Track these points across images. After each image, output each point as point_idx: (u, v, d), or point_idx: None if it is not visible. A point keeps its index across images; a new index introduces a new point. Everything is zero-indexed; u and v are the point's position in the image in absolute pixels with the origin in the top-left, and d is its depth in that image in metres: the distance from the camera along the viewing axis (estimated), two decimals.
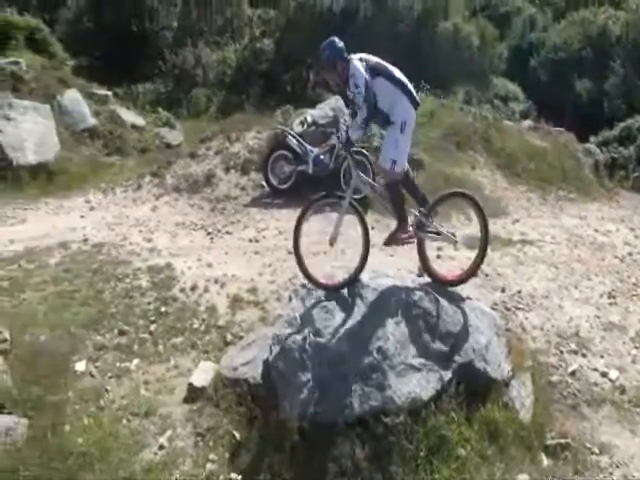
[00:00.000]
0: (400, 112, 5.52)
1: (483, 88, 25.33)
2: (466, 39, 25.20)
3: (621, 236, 10.47)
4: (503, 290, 7.82)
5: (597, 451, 5.45)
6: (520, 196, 12.77)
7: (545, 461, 5.24)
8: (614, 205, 13.76)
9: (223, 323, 7.03)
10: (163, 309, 7.26)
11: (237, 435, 5.28)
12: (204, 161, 12.60)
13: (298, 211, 5.83)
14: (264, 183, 11.59)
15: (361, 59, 5.51)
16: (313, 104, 14.54)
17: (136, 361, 6.41)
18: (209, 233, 9.88)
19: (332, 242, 5.74)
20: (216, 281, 7.87)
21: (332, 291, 5.75)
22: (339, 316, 5.44)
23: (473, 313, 5.66)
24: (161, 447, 5.36)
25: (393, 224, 5.94)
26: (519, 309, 7.39)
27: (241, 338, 6.66)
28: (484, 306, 6.07)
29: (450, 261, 8.46)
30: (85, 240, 9.33)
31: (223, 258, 8.65)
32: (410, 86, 5.59)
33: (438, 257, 8.25)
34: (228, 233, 9.86)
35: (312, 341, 5.29)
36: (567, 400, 6.01)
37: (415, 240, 5.76)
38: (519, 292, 7.77)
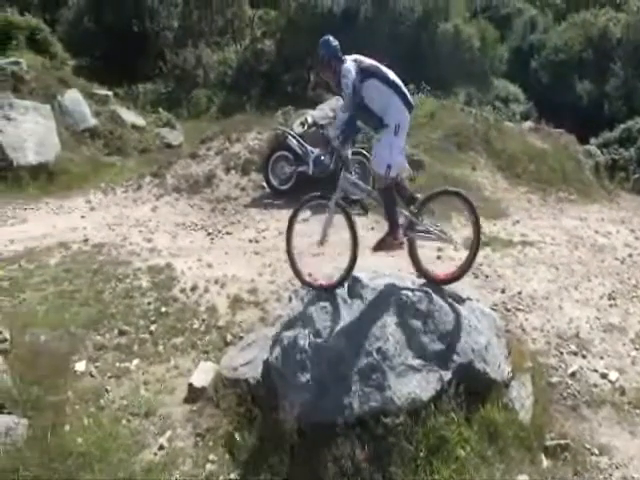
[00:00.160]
0: (394, 114, 5.45)
1: (484, 89, 25.35)
2: (467, 40, 25.24)
3: (621, 238, 10.46)
4: (503, 291, 7.82)
5: (597, 452, 5.44)
6: (520, 197, 12.76)
7: (545, 462, 5.23)
8: (614, 207, 13.74)
9: (223, 323, 7.04)
10: (163, 309, 7.27)
11: (237, 435, 5.27)
12: (204, 161, 12.61)
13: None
14: (264, 184, 11.60)
15: (355, 60, 5.47)
16: (314, 105, 14.57)
17: (136, 361, 6.42)
18: (209, 233, 9.89)
19: (321, 243, 5.75)
20: (216, 281, 7.87)
21: (323, 291, 5.77)
22: (339, 317, 5.44)
23: (473, 314, 5.65)
24: (161, 447, 5.36)
25: None
26: (519, 310, 7.38)
27: (241, 338, 6.66)
28: (484, 307, 6.06)
29: (450, 261, 8.46)
30: (85, 240, 9.34)
31: (223, 258, 8.66)
32: (404, 88, 5.53)
33: (438, 258, 8.25)
34: (228, 233, 9.87)
35: (312, 341, 5.29)
36: (567, 401, 6.00)
37: (404, 246, 5.72)
38: (519, 293, 7.77)
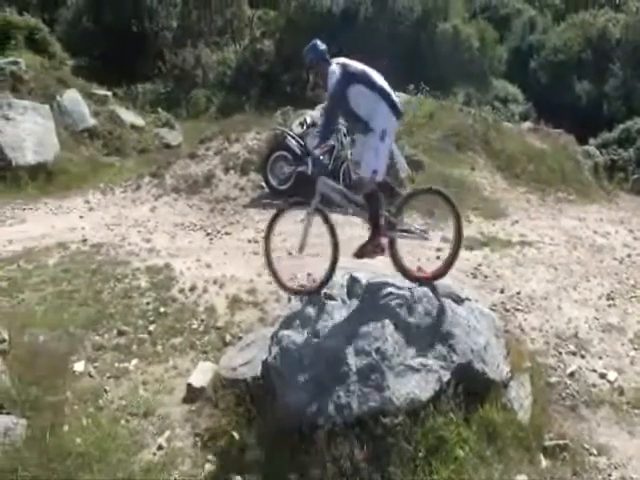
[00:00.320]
0: (380, 120, 5.40)
1: (483, 90, 25.38)
2: (466, 41, 25.28)
3: (620, 238, 10.47)
4: (502, 291, 7.82)
5: (595, 452, 5.44)
6: (519, 197, 12.77)
7: (543, 462, 5.23)
8: (613, 207, 13.76)
9: (222, 323, 7.03)
10: (162, 309, 7.26)
11: (236, 435, 5.26)
12: (203, 162, 12.61)
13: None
14: (263, 184, 11.60)
15: (341, 64, 5.42)
16: (313, 105, 14.57)
17: (135, 361, 6.41)
18: (208, 234, 9.89)
19: (301, 249, 5.75)
20: (215, 282, 7.87)
21: (302, 296, 5.84)
22: (338, 317, 5.44)
23: (472, 314, 5.65)
24: (160, 447, 5.35)
25: None
26: (518, 310, 7.39)
27: (240, 338, 6.65)
28: (483, 307, 6.07)
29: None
30: (84, 240, 9.33)
31: (222, 259, 8.65)
32: (392, 94, 5.48)
33: (438, 258, 8.24)
34: (227, 234, 9.86)
35: (311, 342, 5.29)
36: (565, 401, 6.01)
37: (385, 252, 5.68)
38: (518, 293, 7.78)
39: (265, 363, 5.51)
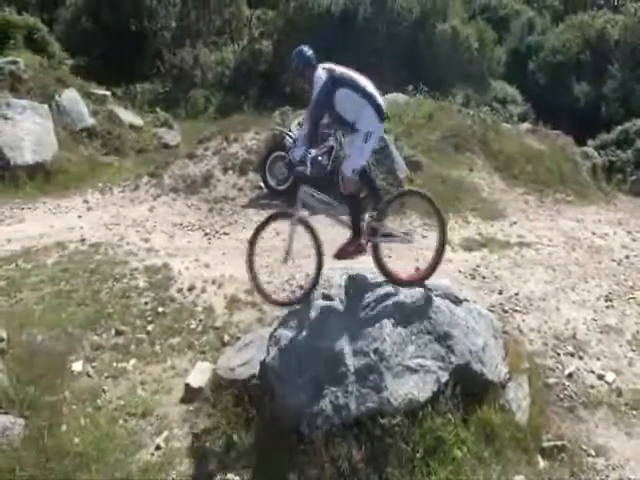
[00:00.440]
0: (365, 122, 5.45)
1: (481, 91, 25.37)
2: (465, 41, 25.26)
3: (618, 239, 10.48)
4: (500, 292, 7.84)
5: (593, 453, 5.45)
6: (518, 198, 12.76)
7: (541, 463, 5.25)
8: (611, 208, 13.76)
9: (220, 324, 7.04)
10: (160, 309, 7.26)
11: (234, 436, 5.27)
12: (202, 162, 12.60)
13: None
14: (262, 184, 11.58)
15: (327, 69, 5.45)
16: None
17: (133, 361, 6.41)
18: (207, 234, 9.88)
19: (286, 259, 5.78)
20: (213, 282, 7.87)
21: (288, 307, 5.83)
22: (336, 317, 5.44)
23: (470, 315, 5.66)
24: (158, 447, 5.36)
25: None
26: (516, 311, 7.40)
27: (238, 339, 6.66)
28: (481, 308, 6.07)
29: (447, 263, 8.47)
30: (82, 240, 9.33)
31: (220, 259, 8.66)
32: (378, 98, 5.50)
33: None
34: (226, 234, 9.86)
35: (309, 342, 5.29)
36: (564, 402, 6.02)
37: (366, 251, 5.68)
38: (516, 294, 7.79)
39: (263, 363, 5.51)
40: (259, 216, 10.43)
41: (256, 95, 24.39)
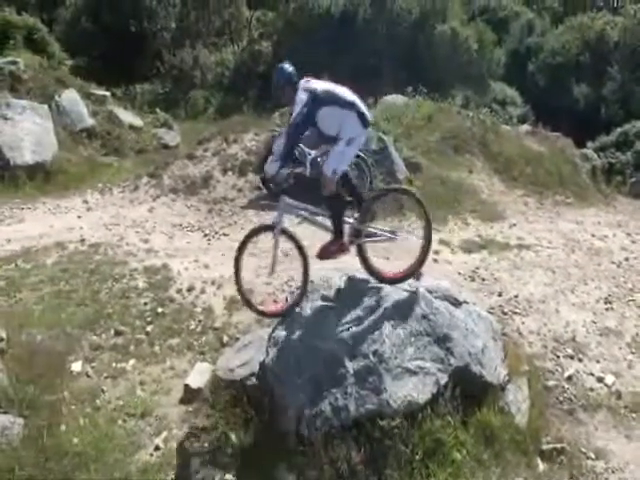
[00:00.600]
0: (348, 130, 5.43)
1: (481, 92, 25.38)
2: (464, 43, 25.27)
3: (618, 241, 10.48)
4: (500, 294, 7.84)
5: (593, 456, 5.45)
6: (517, 200, 12.78)
7: (541, 466, 5.24)
8: (611, 210, 13.79)
9: (219, 324, 7.04)
10: (159, 310, 7.27)
11: (233, 436, 5.26)
12: (201, 162, 12.60)
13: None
14: (261, 185, 11.58)
15: (310, 90, 5.36)
16: None
17: (132, 362, 6.42)
18: (206, 234, 9.89)
19: (271, 271, 5.75)
20: (213, 282, 7.87)
21: (277, 317, 5.78)
22: (335, 318, 5.43)
23: (470, 317, 5.65)
24: (157, 448, 5.36)
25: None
26: (516, 313, 7.40)
27: (237, 339, 6.65)
28: (481, 310, 6.06)
29: (447, 265, 8.49)
30: (82, 240, 9.33)
31: (220, 259, 8.65)
32: (362, 106, 5.47)
33: (435, 261, 8.27)
34: (225, 235, 9.86)
35: (308, 343, 5.28)
36: (563, 405, 6.02)
37: (349, 251, 5.65)
38: (516, 296, 7.79)
39: (262, 364, 5.50)
40: (258, 217, 10.47)
41: (255, 96, 24.36)
